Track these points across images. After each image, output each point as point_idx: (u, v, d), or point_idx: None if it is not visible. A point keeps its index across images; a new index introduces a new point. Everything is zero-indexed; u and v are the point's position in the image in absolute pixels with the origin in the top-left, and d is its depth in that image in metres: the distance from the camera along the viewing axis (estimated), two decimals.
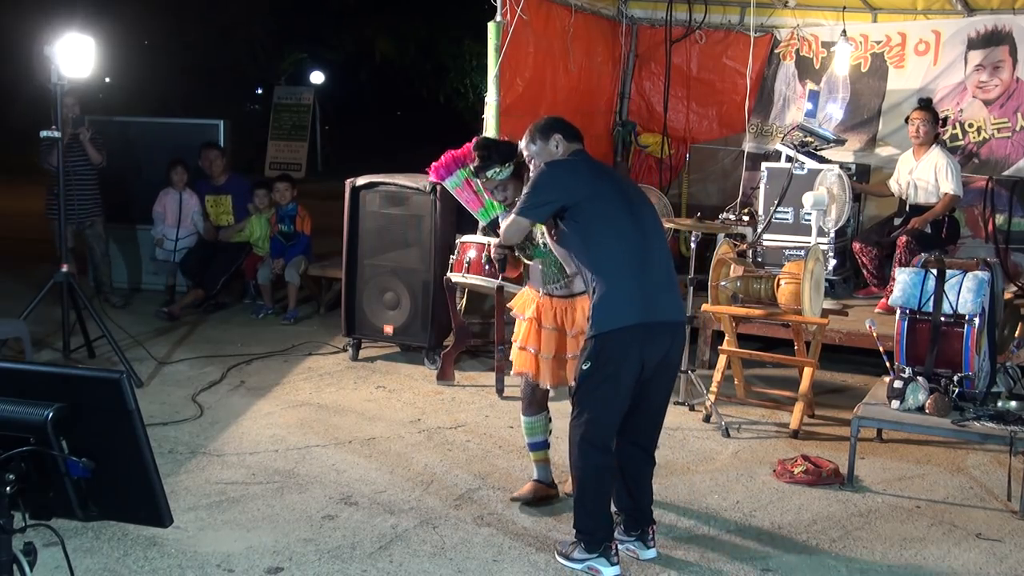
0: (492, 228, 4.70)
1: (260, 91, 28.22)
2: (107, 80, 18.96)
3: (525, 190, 4.12)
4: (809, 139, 7.98)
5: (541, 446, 4.81)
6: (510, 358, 4.80)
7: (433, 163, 4.83)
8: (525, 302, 4.70)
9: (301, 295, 8.76)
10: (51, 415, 2.22)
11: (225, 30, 22.35)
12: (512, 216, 4.14)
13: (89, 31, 6.47)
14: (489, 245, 4.62)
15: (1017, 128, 8.42)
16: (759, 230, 7.69)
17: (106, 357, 6.93)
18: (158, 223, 8.96)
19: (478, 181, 4.63)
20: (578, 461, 4.01)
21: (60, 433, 2.23)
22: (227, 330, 8.16)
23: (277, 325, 8.35)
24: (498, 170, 4.47)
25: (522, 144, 4.27)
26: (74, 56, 6.32)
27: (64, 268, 6.66)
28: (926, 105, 7.67)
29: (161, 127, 10.16)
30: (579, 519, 4.07)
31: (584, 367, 3.95)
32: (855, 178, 7.83)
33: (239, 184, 9.13)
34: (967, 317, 5.35)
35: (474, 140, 4.71)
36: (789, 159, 7.79)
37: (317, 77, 25.79)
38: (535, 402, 4.74)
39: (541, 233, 4.38)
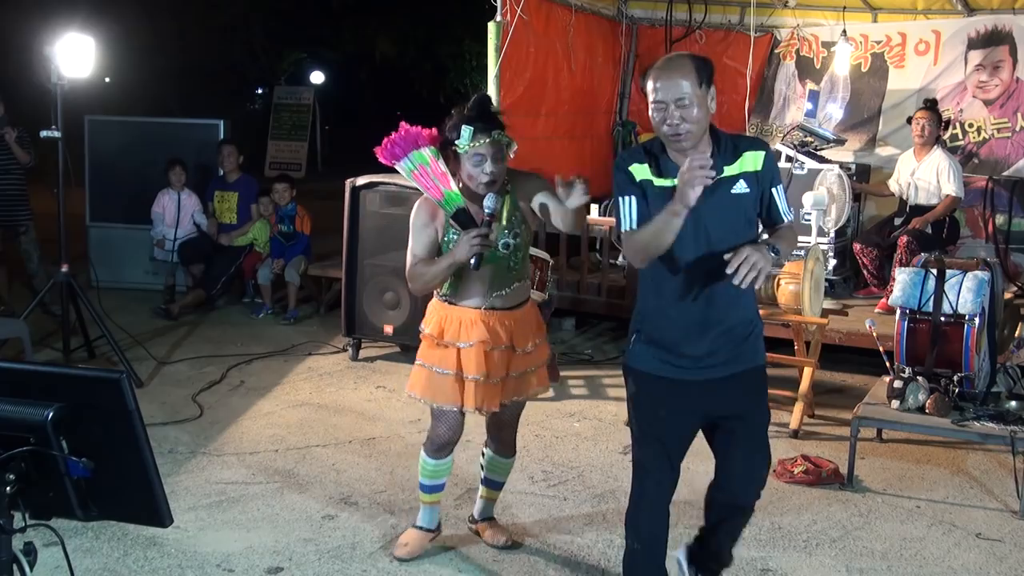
0: (459, 221, 3.76)
1: (260, 91, 28.22)
2: (107, 80, 18.95)
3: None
4: (809, 139, 7.98)
5: (442, 488, 4.24)
6: (415, 390, 4.01)
7: (385, 139, 3.93)
8: (462, 326, 3.89)
9: (301, 295, 8.75)
10: (51, 415, 2.21)
11: (225, 30, 22.34)
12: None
13: (89, 31, 6.47)
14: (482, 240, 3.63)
15: (1017, 128, 8.43)
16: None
17: (106, 357, 6.93)
18: (157, 224, 8.96)
19: (437, 164, 3.80)
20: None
21: (60, 433, 2.23)
22: (227, 330, 8.15)
23: (277, 325, 8.35)
24: (500, 133, 3.76)
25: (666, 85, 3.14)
26: (74, 56, 6.32)
27: (64, 268, 6.66)
28: (931, 105, 7.66)
29: (161, 127, 10.15)
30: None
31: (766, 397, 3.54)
32: (855, 178, 7.83)
33: (248, 184, 9.14)
34: (967, 317, 5.35)
35: (474, 96, 3.92)
36: (789, 159, 7.78)
37: (317, 77, 25.81)
38: (454, 442, 4.09)
39: (511, 230, 3.80)
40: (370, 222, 7.13)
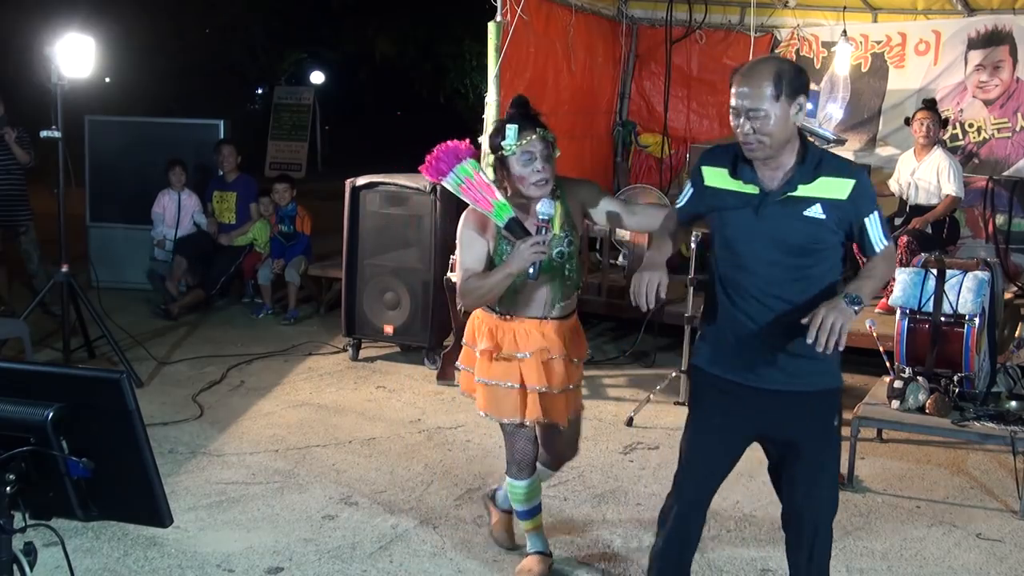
0: (512, 231, 3.58)
1: (260, 91, 28.22)
2: (107, 80, 18.95)
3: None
4: (810, 139, 7.95)
5: (539, 510, 4.07)
6: (484, 407, 3.85)
7: (428, 157, 3.73)
8: (517, 336, 3.76)
9: (301, 295, 8.75)
10: (51, 415, 2.21)
11: (225, 30, 22.34)
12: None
13: (89, 31, 6.47)
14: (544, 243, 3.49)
15: (1017, 128, 8.42)
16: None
17: (106, 357, 6.93)
18: (157, 224, 8.96)
19: (481, 176, 3.64)
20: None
21: (60, 433, 2.23)
22: (227, 330, 8.15)
23: (277, 325, 8.35)
24: (545, 131, 3.66)
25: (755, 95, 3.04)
26: (74, 56, 6.32)
27: (64, 268, 6.66)
28: (931, 105, 7.66)
29: (161, 127, 10.15)
30: None
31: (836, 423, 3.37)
32: None
33: (247, 184, 9.14)
34: (967, 317, 5.36)
35: (514, 97, 3.80)
36: None
37: (317, 77, 25.80)
38: (536, 456, 3.93)
39: (564, 237, 3.69)
40: (370, 222, 7.13)
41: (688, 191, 3.33)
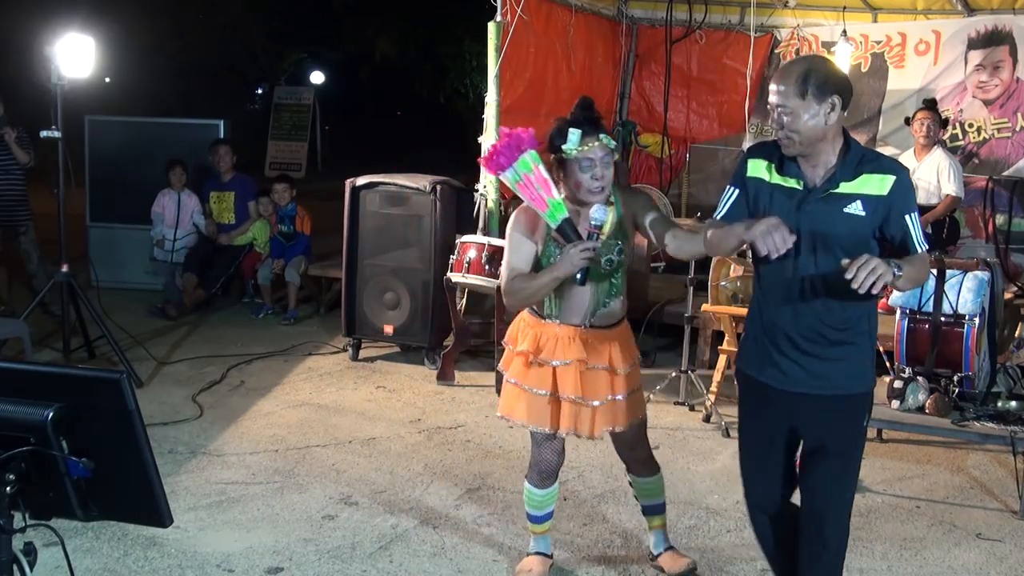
0: (563, 233, 3.49)
1: (260, 91, 28.22)
2: (107, 80, 18.95)
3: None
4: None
5: (551, 516, 4.08)
6: (511, 414, 3.83)
7: (489, 149, 3.60)
8: (559, 343, 3.71)
9: (301, 295, 8.75)
10: (51, 415, 2.21)
11: (225, 30, 22.34)
12: None
13: (89, 31, 6.47)
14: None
15: (1017, 128, 8.43)
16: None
17: (106, 357, 6.93)
18: (157, 224, 8.96)
19: (539, 170, 3.50)
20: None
21: (60, 433, 2.23)
22: (227, 330, 8.15)
23: (277, 325, 8.35)
24: (608, 137, 3.57)
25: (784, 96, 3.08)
26: (74, 56, 6.32)
27: (64, 268, 6.66)
28: (931, 105, 7.66)
29: (161, 127, 10.15)
30: None
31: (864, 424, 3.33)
32: None
33: (244, 184, 9.14)
34: (967, 317, 5.35)
35: (579, 99, 3.68)
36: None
37: (317, 77, 25.82)
38: (558, 468, 3.94)
39: (615, 245, 3.63)
40: (370, 222, 7.13)
41: (730, 195, 3.28)
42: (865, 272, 2.85)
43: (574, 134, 3.48)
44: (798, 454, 3.41)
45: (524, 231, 3.67)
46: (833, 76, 3.09)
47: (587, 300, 3.67)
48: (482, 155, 3.63)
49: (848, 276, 2.88)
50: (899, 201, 3.10)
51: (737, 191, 3.27)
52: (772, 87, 3.10)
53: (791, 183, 3.15)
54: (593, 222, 3.47)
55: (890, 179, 3.09)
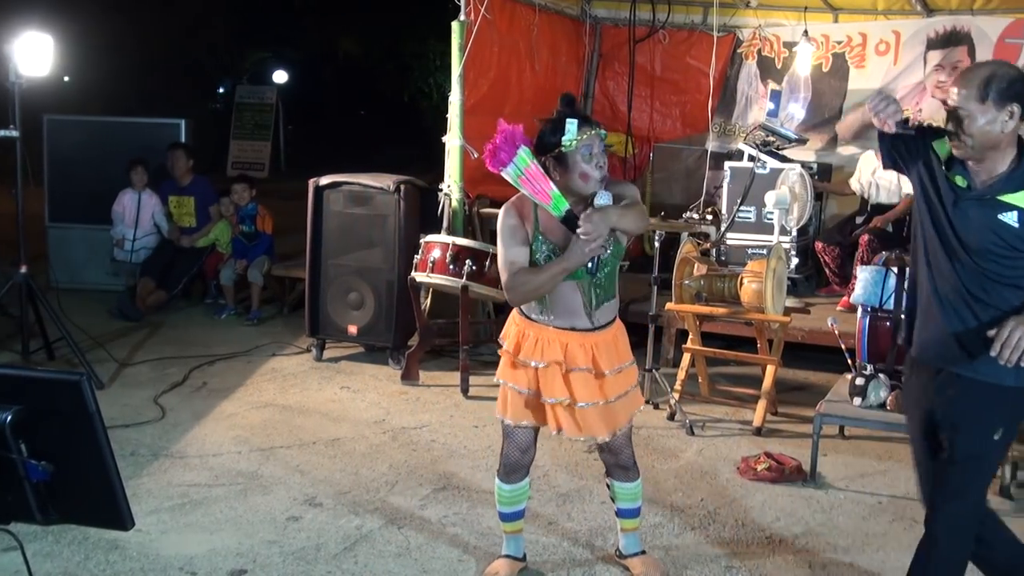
0: (569, 223, 3.44)
1: (223, 90, 28.04)
2: (66, 79, 18.75)
3: None
4: (771, 138, 8.05)
5: (521, 515, 4.07)
6: (505, 414, 3.82)
7: (488, 145, 3.56)
8: (538, 344, 3.70)
9: (265, 295, 8.70)
10: (9, 418, 2.19)
11: (186, 28, 22.17)
12: None
13: (47, 29, 6.40)
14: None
15: None
16: (722, 229, 7.73)
17: (66, 359, 6.85)
18: (117, 223, 8.88)
19: (535, 164, 3.47)
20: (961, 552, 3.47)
21: (19, 436, 2.20)
22: (189, 331, 8.09)
23: (240, 326, 8.29)
24: (601, 128, 3.58)
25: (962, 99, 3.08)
26: (32, 54, 6.25)
27: (23, 269, 6.58)
28: None
29: (121, 126, 10.03)
30: None
31: (996, 436, 3.21)
32: (816, 177, 7.89)
33: (203, 186, 9.07)
34: None
35: (561, 96, 3.72)
36: (751, 158, 7.84)
37: (280, 76, 25.67)
38: (525, 464, 3.93)
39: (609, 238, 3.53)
40: (334, 222, 7.11)
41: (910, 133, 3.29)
42: (1008, 350, 2.88)
43: (572, 124, 3.47)
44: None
45: (515, 223, 3.64)
46: (1016, 84, 3.04)
47: (573, 303, 3.64)
48: (467, 154, 3.62)
49: (993, 353, 2.90)
50: None
51: (915, 132, 3.30)
52: (954, 87, 3.09)
53: (957, 179, 3.15)
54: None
55: None
